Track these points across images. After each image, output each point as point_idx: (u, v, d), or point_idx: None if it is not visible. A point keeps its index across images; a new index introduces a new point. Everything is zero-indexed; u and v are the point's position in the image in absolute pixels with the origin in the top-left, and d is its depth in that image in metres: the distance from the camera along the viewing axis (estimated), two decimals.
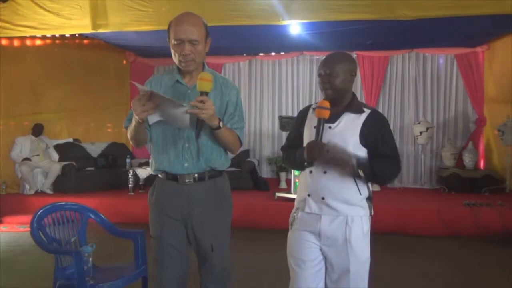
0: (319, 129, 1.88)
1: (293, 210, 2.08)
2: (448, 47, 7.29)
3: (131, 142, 2.09)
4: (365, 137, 1.92)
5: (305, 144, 2.01)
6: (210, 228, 2.05)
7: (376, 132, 1.92)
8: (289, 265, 2.04)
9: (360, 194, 1.93)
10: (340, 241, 1.90)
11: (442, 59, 7.57)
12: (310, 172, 1.96)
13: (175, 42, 1.93)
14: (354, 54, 7.30)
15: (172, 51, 1.97)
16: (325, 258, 1.97)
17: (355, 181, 1.91)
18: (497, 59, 6.85)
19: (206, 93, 1.84)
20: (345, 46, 6.47)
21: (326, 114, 1.89)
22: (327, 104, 1.91)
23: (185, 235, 2.07)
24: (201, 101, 1.81)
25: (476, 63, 7.24)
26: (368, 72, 7.53)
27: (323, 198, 1.92)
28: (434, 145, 7.57)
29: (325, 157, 1.87)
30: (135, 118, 1.89)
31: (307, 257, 1.96)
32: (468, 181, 6.51)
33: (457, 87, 7.52)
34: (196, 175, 2.03)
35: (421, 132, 7.04)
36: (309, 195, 1.96)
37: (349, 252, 1.89)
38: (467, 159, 6.89)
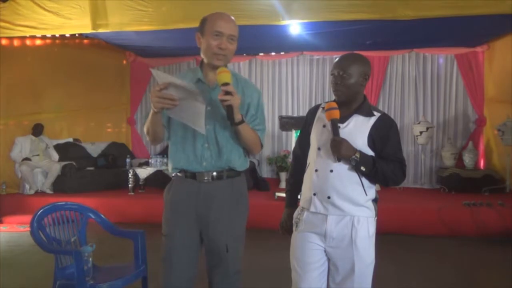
0: (334, 129, 1.88)
1: (298, 211, 2.05)
2: (448, 47, 7.30)
3: (148, 138, 2.05)
4: (373, 139, 1.92)
5: (312, 143, 2.02)
6: (226, 228, 2.00)
7: (383, 135, 1.92)
8: (291, 267, 2.02)
9: (366, 194, 1.92)
10: (346, 242, 1.89)
11: (442, 59, 7.57)
12: (316, 170, 1.95)
13: (214, 34, 1.92)
14: None
15: (205, 45, 1.96)
16: (329, 260, 1.96)
17: (361, 181, 1.91)
18: (497, 59, 6.85)
19: (228, 84, 1.84)
20: (345, 46, 6.46)
21: (337, 113, 1.89)
22: (333, 104, 1.92)
23: (198, 236, 2.04)
24: (227, 92, 1.81)
25: (476, 63, 7.24)
26: None
27: (329, 197, 1.90)
28: (434, 145, 7.57)
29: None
30: (151, 108, 1.88)
31: (311, 259, 1.95)
32: (468, 181, 6.51)
33: (457, 87, 7.52)
34: (214, 173, 2.01)
35: (421, 132, 7.04)
36: (314, 194, 1.94)
37: (354, 253, 1.88)
38: (467, 159, 6.89)
